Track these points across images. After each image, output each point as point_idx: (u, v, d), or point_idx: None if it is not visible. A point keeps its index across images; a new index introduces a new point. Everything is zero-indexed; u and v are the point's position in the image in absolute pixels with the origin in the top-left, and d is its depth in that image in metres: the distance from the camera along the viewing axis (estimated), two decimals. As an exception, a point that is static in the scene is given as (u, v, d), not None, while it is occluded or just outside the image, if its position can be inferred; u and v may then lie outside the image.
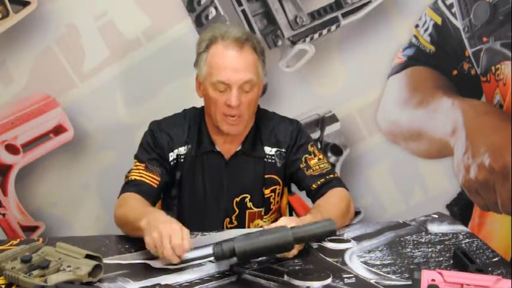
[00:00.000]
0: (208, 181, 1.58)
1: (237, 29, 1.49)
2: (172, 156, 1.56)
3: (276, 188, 1.62)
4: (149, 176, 1.51)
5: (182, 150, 1.57)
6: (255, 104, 1.54)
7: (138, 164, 1.54)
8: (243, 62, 1.46)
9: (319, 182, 1.53)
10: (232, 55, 1.46)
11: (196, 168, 1.57)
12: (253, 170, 1.58)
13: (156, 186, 1.51)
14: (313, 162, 1.57)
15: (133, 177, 1.51)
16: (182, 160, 1.57)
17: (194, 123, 1.59)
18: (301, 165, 1.57)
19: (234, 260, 1.19)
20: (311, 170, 1.56)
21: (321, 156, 1.59)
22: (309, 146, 1.60)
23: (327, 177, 1.54)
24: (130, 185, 1.50)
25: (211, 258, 1.24)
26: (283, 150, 1.60)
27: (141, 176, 1.51)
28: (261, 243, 1.15)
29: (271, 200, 1.62)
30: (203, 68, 1.49)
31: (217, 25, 1.55)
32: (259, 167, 1.58)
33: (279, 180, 1.61)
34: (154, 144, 1.56)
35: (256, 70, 1.49)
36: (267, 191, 1.60)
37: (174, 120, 1.61)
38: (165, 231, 1.20)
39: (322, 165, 1.57)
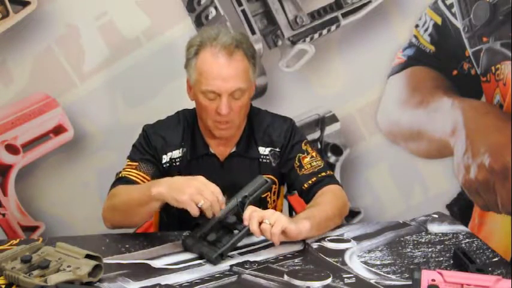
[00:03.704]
0: None
1: (226, 35, 1.45)
2: (165, 158, 1.56)
3: (272, 188, 1.61)
4: (139, 175, 1.50)
5: (176, 153, 1.57)
6: (246, 108, 1.54)
7: (130, 163, 1.54)
8: (232, 71, 1.44)
9: (310, 182, 1.53)
10: (221, 63, 1.43)
11: (192, 171, 1.55)
12: (248, 170, 1.57)
13: None
14: (306, 160, 1.57)
15: (123, 175, 1.51)
16: (178, 163, 1.57)
17: (188, 126, 1.59)
18: (295, 165, 1.57)
19: (234, 260, 1.24)
20: (303, 170, 1.56)
21: (314, 154, 1.59)
22: (303, 145, 1.60)
23: (319, 175, 1.54)
24: (120, 182, 1.49)
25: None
26: (277, 149, 1.60)
27: (131, 175, 1.50)
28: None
29: (268, 199, 1.62)
30: (193, 74, 1.48)
31: (206, 29, 1.53)
32: (254, 167, 1.58)
33: (275, 179, 1.61)
34: (147, 145, 1.55)
35: (246, 77, 1.47)
36: None
37: (168, 123, 1.60)
38: (201, 181, 1.26)
39: (314, 163, 1.56)
